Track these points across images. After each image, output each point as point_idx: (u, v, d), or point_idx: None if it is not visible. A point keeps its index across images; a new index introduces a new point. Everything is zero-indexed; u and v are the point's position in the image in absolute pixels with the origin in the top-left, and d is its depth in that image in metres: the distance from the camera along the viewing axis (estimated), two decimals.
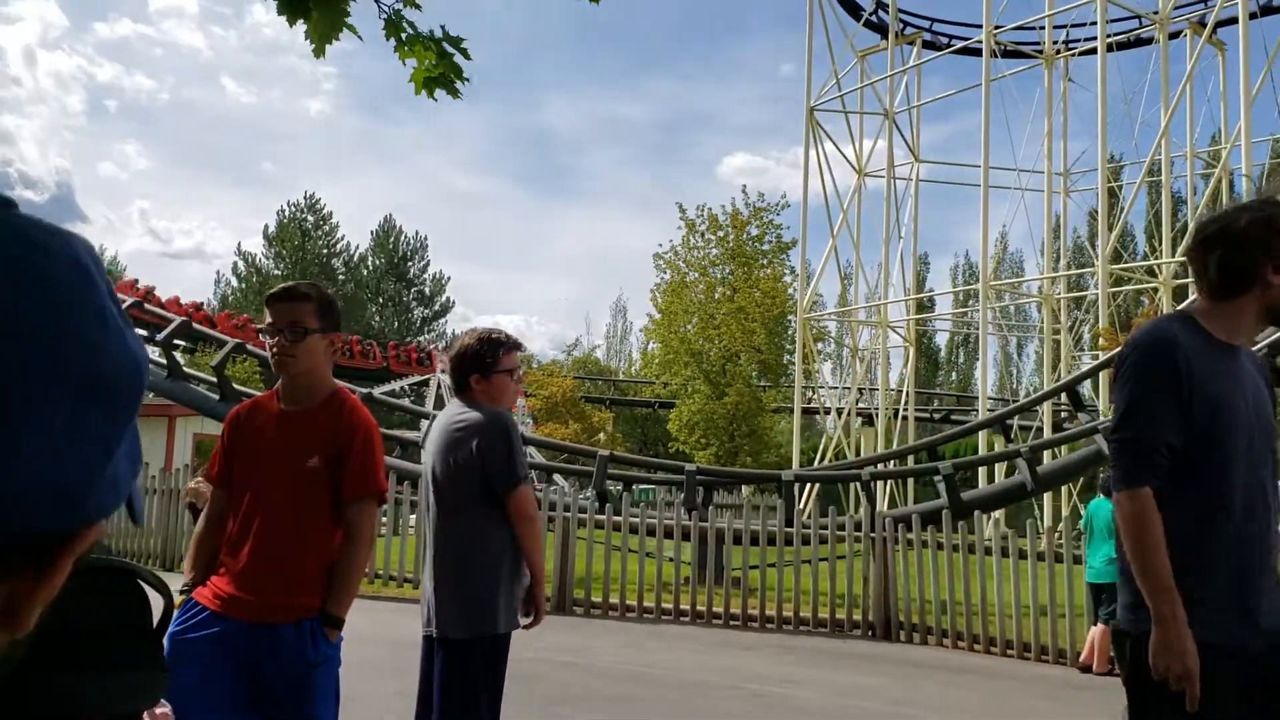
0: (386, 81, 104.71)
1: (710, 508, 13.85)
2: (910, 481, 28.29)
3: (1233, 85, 28.15)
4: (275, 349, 3.43)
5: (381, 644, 8.39)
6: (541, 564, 3.94)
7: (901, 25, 34.84)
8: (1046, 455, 18.61)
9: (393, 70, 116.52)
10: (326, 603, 3.31)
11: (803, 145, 33.40)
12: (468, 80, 4.63)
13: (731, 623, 12.41)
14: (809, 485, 27.27)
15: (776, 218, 33.00)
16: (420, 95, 4.58)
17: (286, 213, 71.74)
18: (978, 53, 29.64)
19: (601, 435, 41.18)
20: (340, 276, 71.22)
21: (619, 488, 15.68)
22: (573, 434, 37.28)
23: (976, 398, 35.07)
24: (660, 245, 33.95)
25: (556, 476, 21.50)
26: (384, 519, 14.82)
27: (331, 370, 3.57)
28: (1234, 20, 24.95)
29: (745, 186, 71.50)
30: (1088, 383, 28.43)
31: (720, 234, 32.62)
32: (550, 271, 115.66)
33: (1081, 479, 21.85)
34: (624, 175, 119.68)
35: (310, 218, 72.15)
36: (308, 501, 3.36)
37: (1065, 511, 26.88)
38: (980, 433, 25.06)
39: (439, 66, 4.56)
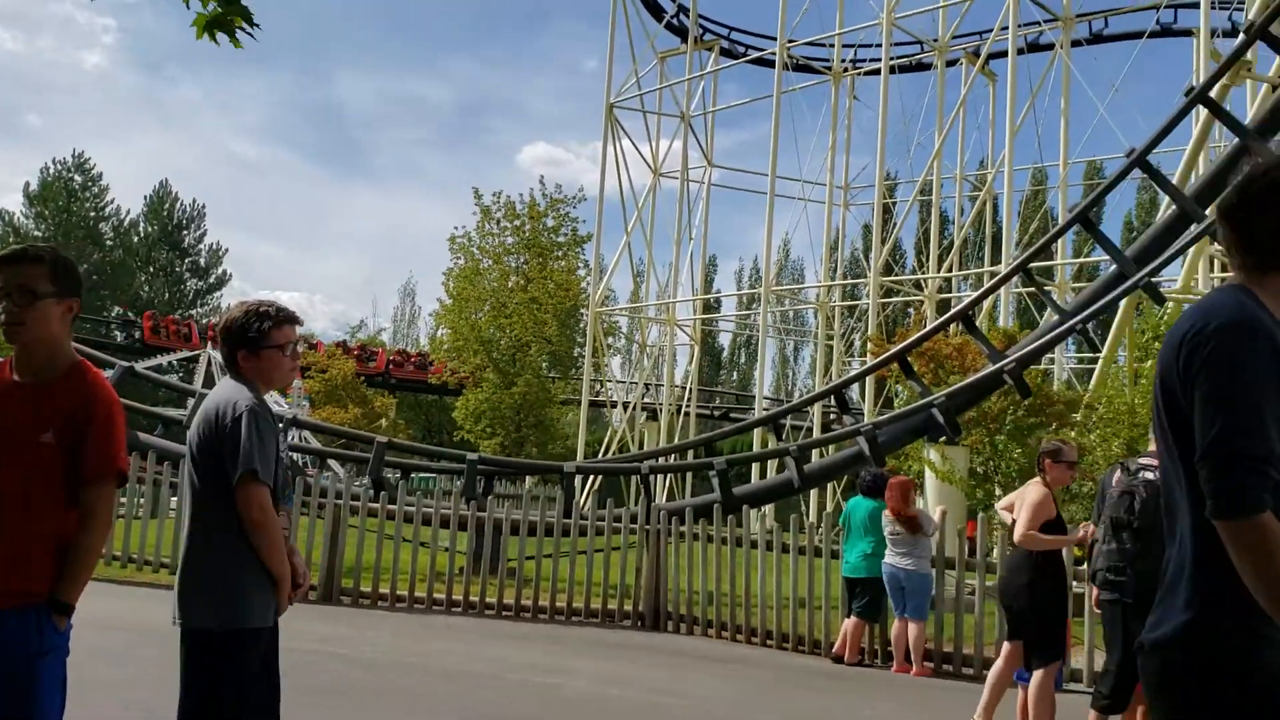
0: (170, 39, 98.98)
1: (490, 498, 13.80)
2: (689, 476, 29.02)
3: (1000, 114, 30.18)
4: (3, 315, 3.21)
5: (129, 631, 7.95)
6: (279, 567, 3.67)
7: (701, 31, 35.64)
8: (816, 454, 19.45)
9: (177, 28, 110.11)
10: (56, 589, 3.12)
11: (601, 141, 33.71)
12: (258, 27, 4.41)
13: (504, 613, 12.41)
14: (591, 477, 27.57)
15: (573, 210, 33.18)
16: (203, 43, 4.34)
17: (51, 171, 66.83)
18: (772, 64, 30.68)
19: (383, 421, 40.32)
20: (108, 242, 66.95)
21: (397, 475, 15.39)
22: (352, 419, 36.36)
23: (754, 397, 36.30)
24: (456, 229, 33.44)
25: (332, 462, 20.94)
26: (141, 500, 14.05)
27: (70, 340, 3.36)
28: (1005, 54, 26.75)
29: (543, 177, 71.43)
30: (856, 386, 29.94)
31: (517, 223, 32.48)
32: (338, 249, 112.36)
33: (845, 477, 22.94)
34: (421, 156, 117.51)
35: (78, 177, 67.44)
36: (39, 480, 3.15)
37: (829, 508, 28.20)
38: (756, 430, 25.97)
39: (223, 9, 4.34)
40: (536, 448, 29.68)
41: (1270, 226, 2.21)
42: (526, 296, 31.11)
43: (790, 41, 30.73)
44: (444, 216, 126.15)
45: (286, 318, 3.85)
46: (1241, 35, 14.36)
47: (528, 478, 27.78)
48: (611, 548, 12.79)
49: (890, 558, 10.12)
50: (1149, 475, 5.90)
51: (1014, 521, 6.86)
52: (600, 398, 39.06)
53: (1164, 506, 2.30)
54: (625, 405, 35.83)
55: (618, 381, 40.52)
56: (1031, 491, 6.87)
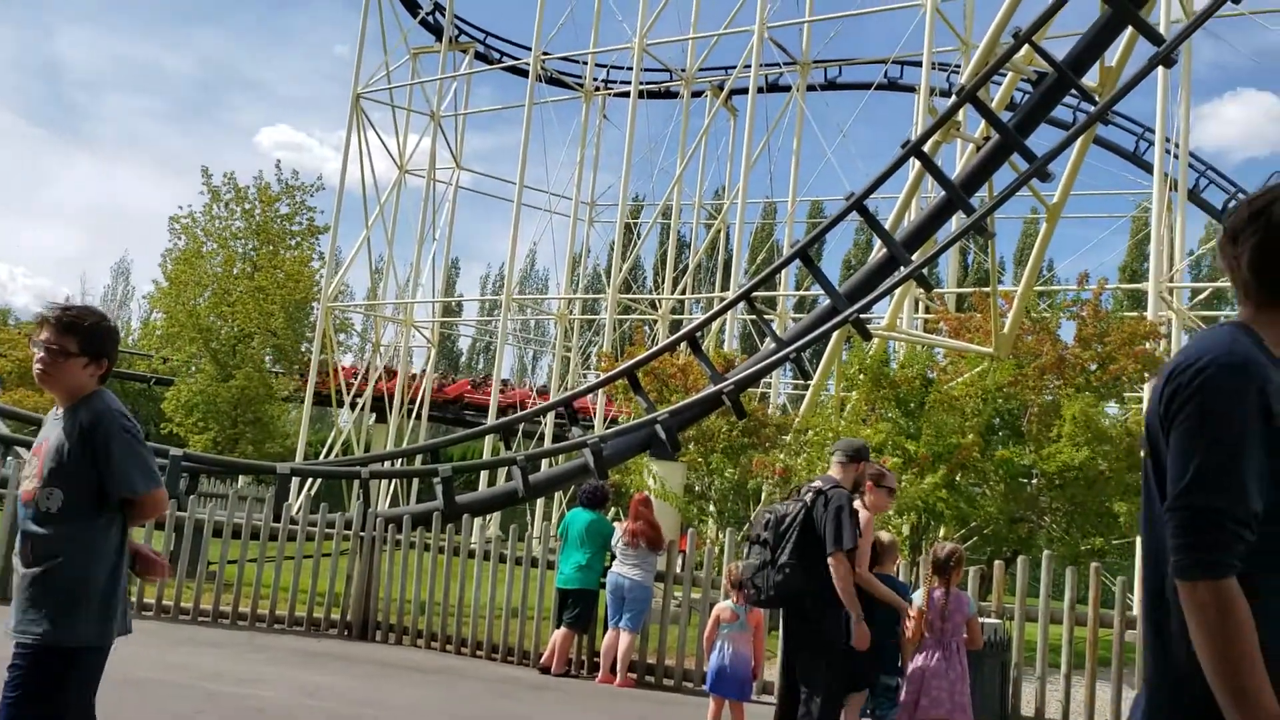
0: None
1: (192, 497, 13.02)
2: (416, 482, 28.49)
3: (739, 148, 31.50)
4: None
5: None
6: None
7: (457, 32, 35.26)
8: (547, 464, 19.52)
9: None
10: None
11: (346, 130, 32.68)
12: None
13: (200, 619, 11.73)
14: (308, 480, 26.56)
15: (310, 199, 31.98)
16: None
17: None
18: (526, 73, 30.75)
19: None
20: None
21: None
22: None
23: (489, 404, 36.13)
24: (180, 209, 31.47)
25: (21, 450, 19.16)
26: None
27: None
28: (746, 90, 27.95)
29: (280, 161, 68.64)
30: (590, 398, 30.37)
31: (247, 206, 30.99)
32: (45, 219, 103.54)
33: (571, 488, 23.21)
34: (149, 127, 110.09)
35: None
36: None
37: (555, 518, 28.43)
38: (489, 438, 25.82)
39: None
40: (253, 445, 28.32)
41: (1250, 260, 2.01)
42: (253, 285, 29.71)
43: (545, 54, 30.91)
44: (169, 194, 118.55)
45: None
46: (954, 97, 15.60)
47: (240, 478, 26.47)
48: (323, 554, 12.36)
49: (618, 567, 10.28)
50: (806, 496, 6.39)
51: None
52: (327, 396, 37.75)
53: (1151, 556, 2.02)
54: (353, 406, 34.79)
55: (347, 380, 39.32)
56: (861, 515, 6.76)
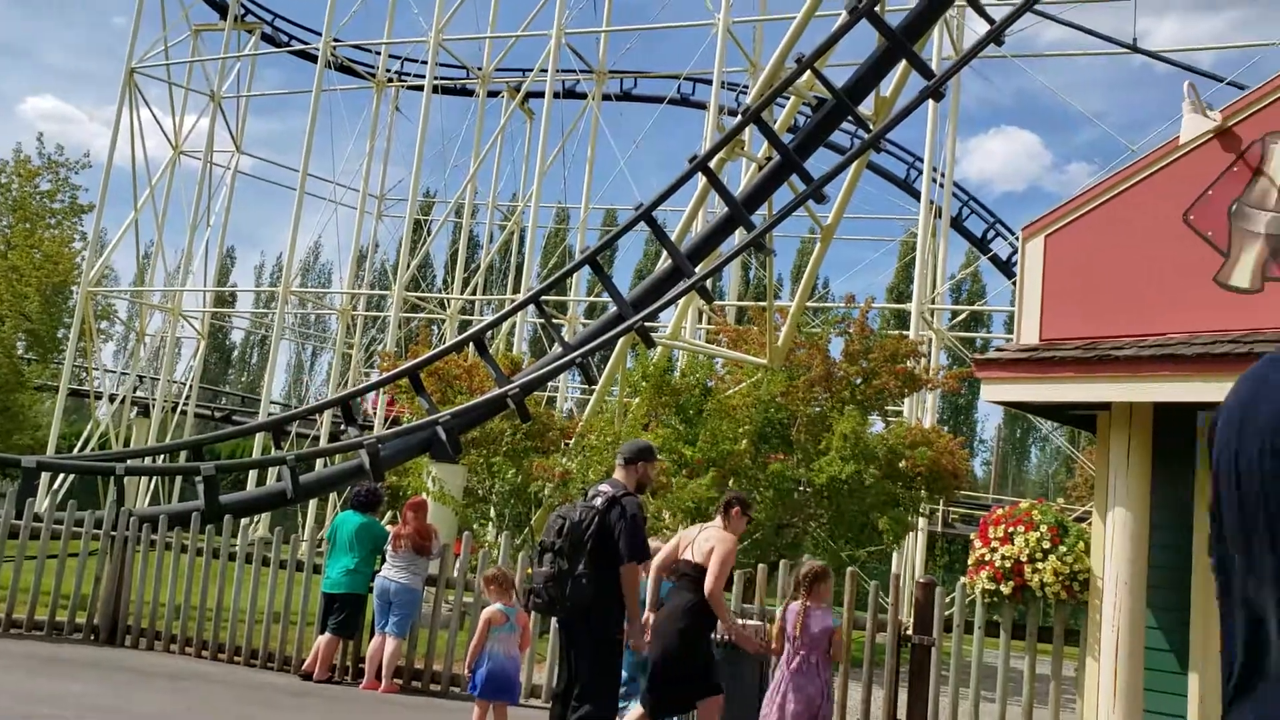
0: None
1: None
2: (179, 480, 27.03)
3: (534, 152, 31.51)
4: None
5: None
6: None
7: (243, 11, 33.78)
8: (322, 464, 18.89)
9: None
10: None
11: (117, 106, 30.72)
12: None
13: None
14: (58, 475, 24.82)
15: (75, 176, 29.96)
16: None
17: None
18: (315, 59, 29.75)
19: None
20: None
21: None
22: None
23: (261, 400, 34.70)
24: None
25: None
26: None
27: None
28: (543, 94, 27.98)
29: (42, 134, 64.06)
30: (371, 398, 29.63)
31: (3, 180, 28.79)
32: None
33: (347, 490, 22.59)
34: None
35: None
36: None
37: (329, 520, 27.59)
38: (260, 436, 24.79)
39: None
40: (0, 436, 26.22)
41: None
42: (6, 265, 27.57)
43: (336, 41, 30.04)
44: None
45: None
46: (738, 117, 16.10)
47: None
48: (70, 554, 11.55)
49: (386, 571, 10.06)
50: (596, 502, 6.42)
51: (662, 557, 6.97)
52: (85, 387, 35.36)
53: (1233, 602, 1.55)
54: (114, 398, 32.71)
55: (108, 371, 36.94)
56: (725, 542, 6.72)
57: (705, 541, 6.78)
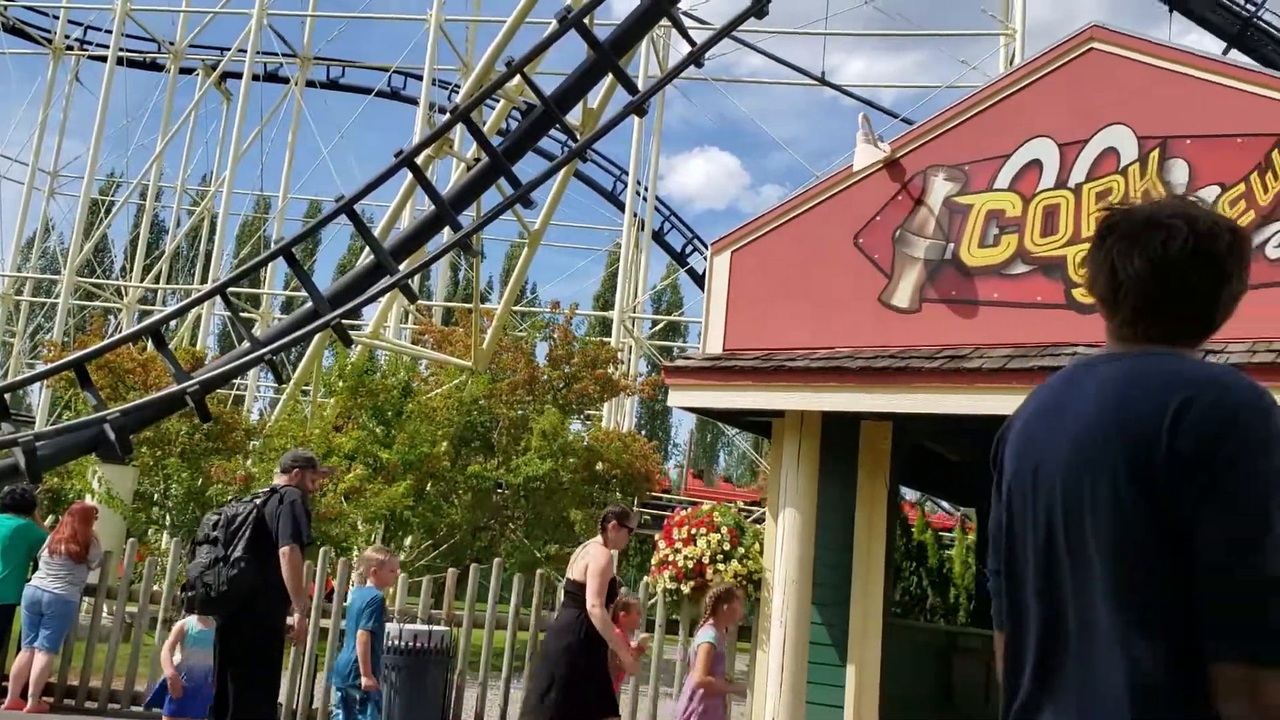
0: None
1: None
2: None
3: (230, 135, 29.83)
4: None
5: None
6: None
7: None
8: None
9: None
10: None
11: None
12: None
13: None
14: None
15: None
16: None
17: None
18: None
19: None
20: None
21: None
22: None
23: None
24: None
25: None
26: None
27: None
28: (241, 75, 26.56)
29: None
30: (35, 392, 27.04)
31: None
32: None
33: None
34: None
35: None
36: None
37: None
38: None
39: None
40: None
41: (1188, 293, 1.71)
42: None
43: (7, 3, 27.26)
44: None
45: None
46: (447, 114, 15.90)
47: None
48: None
49: (39, 580, 9.15)
50: (256, 501, 6.23)
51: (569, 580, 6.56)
52: None
53: (1044, 602, 1.67)
54: None
55: None
56: (598, 556, 6.44)
57: (582, 558, 6.58)
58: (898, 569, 10.74)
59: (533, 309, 29.05)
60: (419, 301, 26.61)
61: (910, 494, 22.71)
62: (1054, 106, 7.99)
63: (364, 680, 6.35)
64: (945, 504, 20.22)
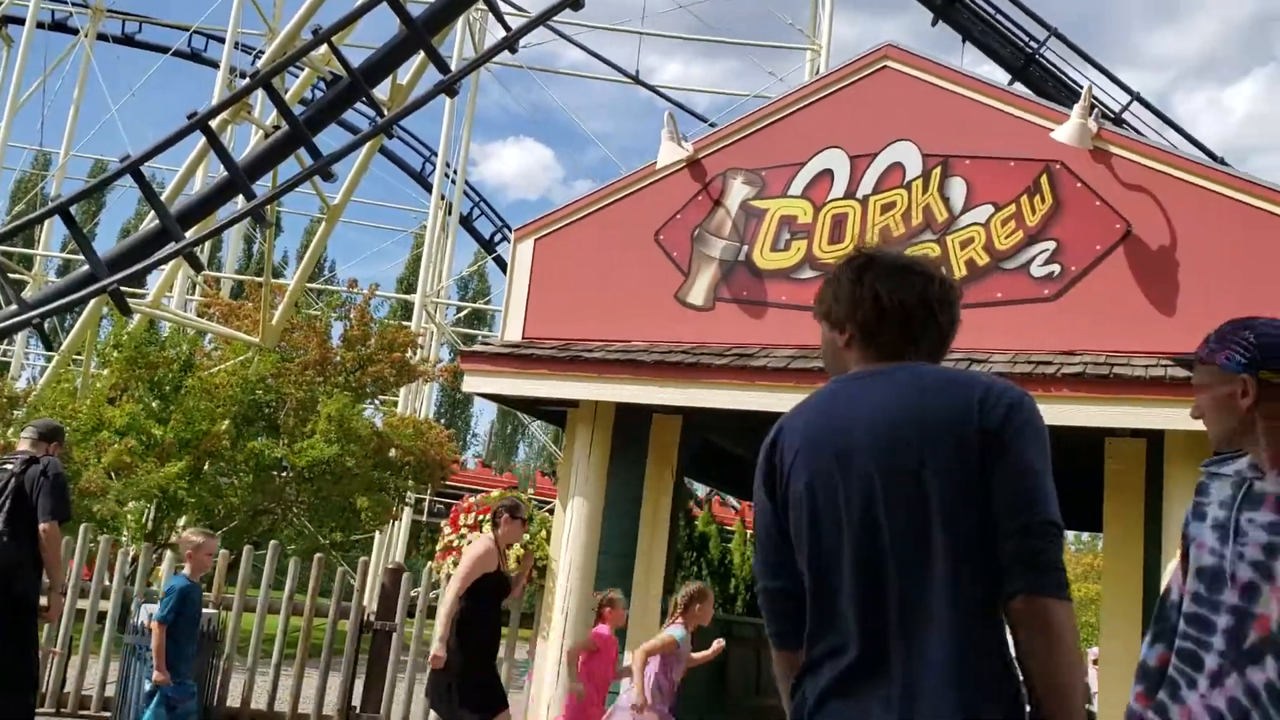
0: None
1: None
2: None
3: (8, 84, 27.66)
4: None
5: None
6: None
7: None
8: None
9: None
10: None
11: None
12: None
13: None
14: None
15: None
16: None
17: None
18: None
19: None
20: None
21: None
22: None
23: None
24: None
25: None
26: None
27: None
28: (23, 21, 24.70)
29: None
30: None
31: None
32: None
33: None
34: None
35: None
36: None
37: None
38: None
39: None
40: None
41: (944, 326, 2.09)
42: None
43: None
44: None
45: None
46: (247, 79, 15.23)
47: None
48: None
49: None
50: (9, 466, 5.95)
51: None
52: None
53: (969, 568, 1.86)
54: None
55: None
56: (472, 549, 6.12)
57: (467, 549, 6.39)
58: (680, 559, 10.96)
59: (330, 288, 28.15)
60: (206, 272, 25.46)
61: (702, 489, 23.28)
62: (847, 119, 8.33)
63: (155, 674, 5.97)
64: (732, 499, 20.78)
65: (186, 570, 6.28)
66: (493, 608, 6.13)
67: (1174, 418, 6.51)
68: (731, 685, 9.30)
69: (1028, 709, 1.82)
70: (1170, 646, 2.21)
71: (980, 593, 1.83)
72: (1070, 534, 36.00)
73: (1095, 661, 8.39)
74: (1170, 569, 6.76)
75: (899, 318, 2.03)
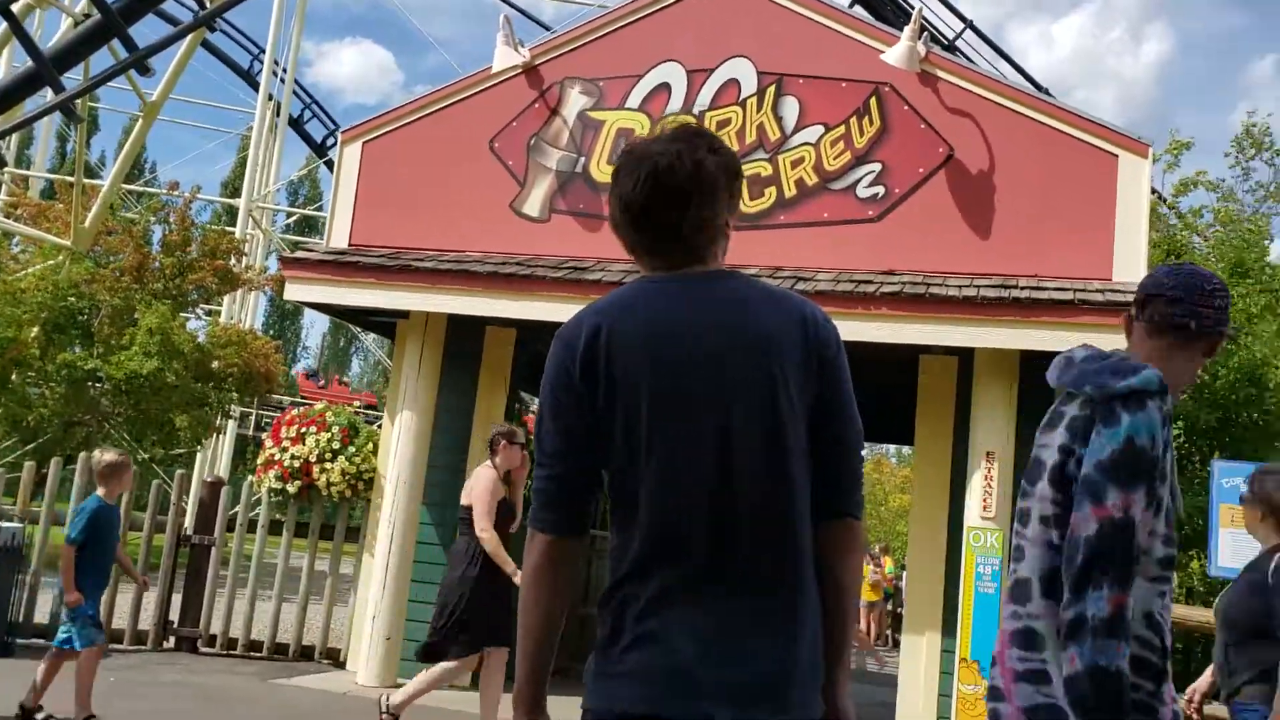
0: None
1: None
2: None
3: None
4: None
5: None
6: None
7: None
8: None
9: None
10: None
11: None
12: None
13: None
14: None
15: None
16: None
17: None
18: None
19: None
20: None
21: None
22: None
23: None
24: None
25: None
26: None
27: None
28: None
29: None
30: None
31: None
32: None
33: None
34: None
35: None
36: None
37: None
38: None
39: None
40: None
41: (696, 223, 1.96)
42: None
43: None
44: None
45: None
46: None
47: None
48: None
49: None
50: None
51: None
52: None
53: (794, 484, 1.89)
54: None
55: None
56: (481, 479, 5.91)
57: (470, 482, 6.12)
58: None
59: (152, 190, 26.64)
60: (13, 170, 23.77)
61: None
62: (686, 33, 8.26)
63: (67, 595, 5.58)
64: None
65: (101, 492, 5.88)
66: (505, 538, 5.95)
67: (984, 336, 6.82)
68: None
69: None
70: None
71: (807, 505, 1.88)
72: (891, 448, 37.66)
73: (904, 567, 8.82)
74: (976, 482, 7.08)
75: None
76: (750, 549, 1.82)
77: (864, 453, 1.93)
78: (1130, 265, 7.24)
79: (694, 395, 1.86)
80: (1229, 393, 9.39)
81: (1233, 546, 6.94)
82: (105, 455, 6.02)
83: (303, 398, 24.62)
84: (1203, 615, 6.38)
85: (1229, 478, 6.89)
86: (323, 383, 32.55)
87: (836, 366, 1.91)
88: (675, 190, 1.92)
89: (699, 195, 1.93)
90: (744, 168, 8.43)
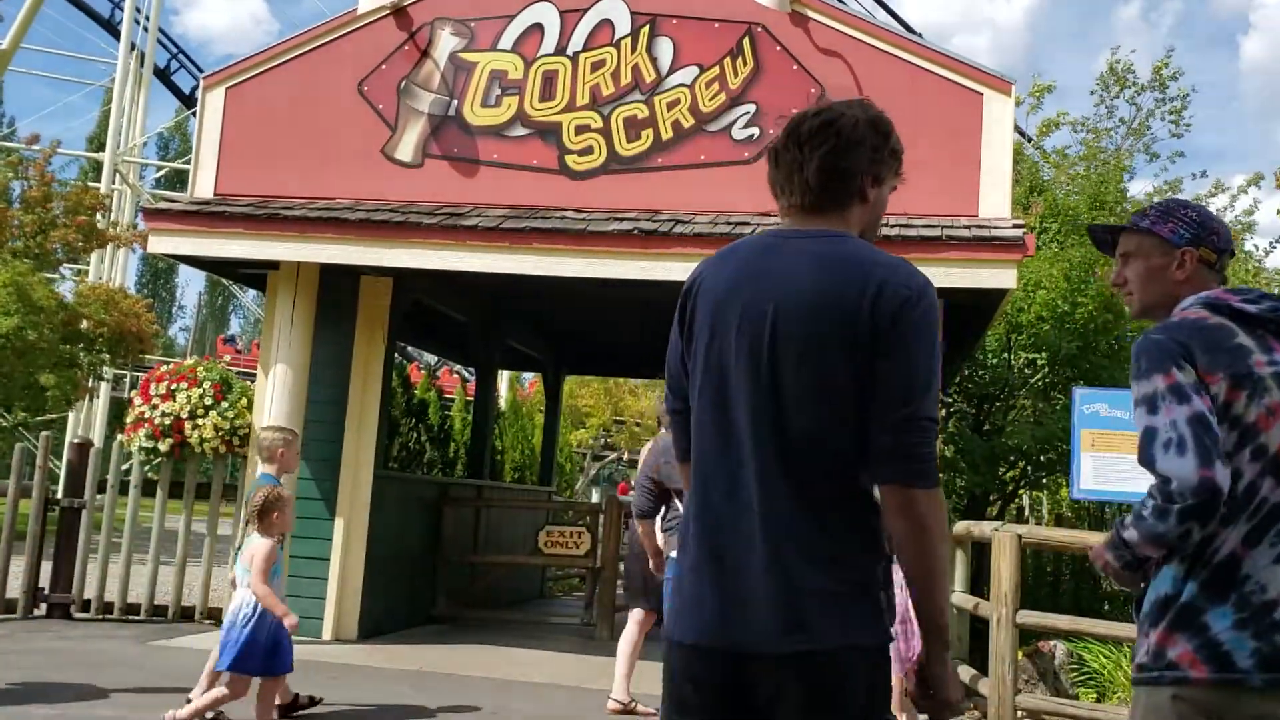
0: None
1: None
2: None
3: None
4: None
5: None
6: None
7: None
8: None
9: None
10: None
11: None
12: None
13: None
14: None
15: None
16: None
17: None
18: None
19: None
20: None
21: None
22: None
23: None
24: None
25: None
26: None
27: None
28: None
29: None
30: None
31: None
32: None
33: None
34: None
35: None
36: None
37: None
38: None
39: None
40: None
41: (821, 166, 1.99)
42: None
43: None
44: None
45: None
46: None
47: None
48: None
49: None
50: None
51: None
52: None
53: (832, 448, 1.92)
54: None
55: None
56: (652, 444, 5.83)
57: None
58: (395, 425, 10.82)
59: (10, 145, 25.33)
60: None
61: (433, 360, 23.01)
62: None
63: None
64: (463, 370, 20.63)
65: (270, 470, 5.42)
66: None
67: None
68: (447, 541, 9.34)
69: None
70: None
71: (832, 460, 1.92)
72: None
73: None
74: None
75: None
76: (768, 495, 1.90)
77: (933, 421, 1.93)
78: (995, 202, 7.42)
79: (734, 349, 1.94)
80: (1088, 321, 9.75)
81: (1094, 470, 7.26)
82: (272, 432, 5.60)
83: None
84: (1066, 537, 6.65)
85: (1089, 404, 7.19)
86: (240, 348, 31.42)
87: (893, 338, 1.86)
88: (816, 130, 1.99)
89: (836, 139, 1.98)
90: (620, 111, 8.36)
